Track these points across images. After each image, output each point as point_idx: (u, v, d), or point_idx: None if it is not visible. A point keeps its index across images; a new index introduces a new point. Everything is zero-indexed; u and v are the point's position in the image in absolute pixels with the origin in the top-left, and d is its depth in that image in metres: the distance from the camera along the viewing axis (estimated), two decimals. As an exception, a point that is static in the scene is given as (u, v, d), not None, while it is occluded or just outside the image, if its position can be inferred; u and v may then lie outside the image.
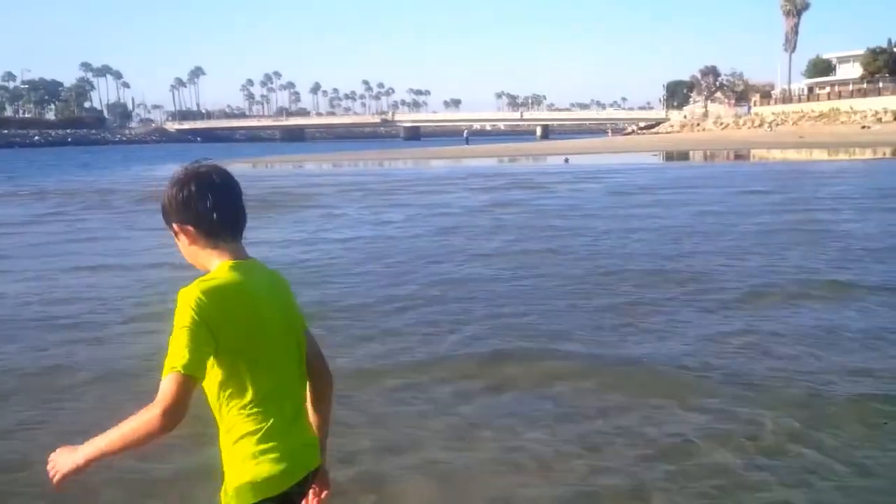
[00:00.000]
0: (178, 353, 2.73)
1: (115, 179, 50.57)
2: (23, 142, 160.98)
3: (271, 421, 2.97)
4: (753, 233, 18.78)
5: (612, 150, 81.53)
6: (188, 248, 3.04)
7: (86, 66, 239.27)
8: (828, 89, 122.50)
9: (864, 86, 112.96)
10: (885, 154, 59.71)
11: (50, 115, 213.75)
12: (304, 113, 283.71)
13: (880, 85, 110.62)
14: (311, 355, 3.26)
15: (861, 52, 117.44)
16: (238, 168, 64.10)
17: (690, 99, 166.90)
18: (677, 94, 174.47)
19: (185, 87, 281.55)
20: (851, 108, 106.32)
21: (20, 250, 18.94)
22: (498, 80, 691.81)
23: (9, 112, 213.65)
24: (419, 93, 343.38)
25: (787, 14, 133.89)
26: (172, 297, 2.92)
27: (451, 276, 14.24)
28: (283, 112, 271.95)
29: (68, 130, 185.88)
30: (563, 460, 6.30)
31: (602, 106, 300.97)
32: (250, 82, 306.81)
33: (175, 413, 2.69)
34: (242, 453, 2.94)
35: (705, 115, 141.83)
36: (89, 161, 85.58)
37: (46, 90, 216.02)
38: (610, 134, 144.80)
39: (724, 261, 15.04)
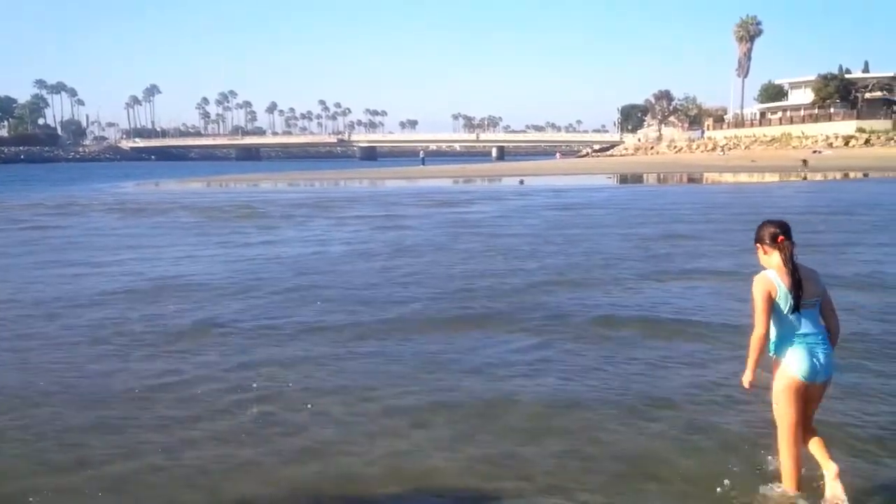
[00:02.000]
0: None
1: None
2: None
3: None
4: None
5: (565, 171, 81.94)
6: None
7: (40, 82, 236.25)
8: (780, 114, 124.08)
9: (816, 111, 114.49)
10: (835, 177, 60.60)
11: (2, 132, 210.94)
12: (259, 132, 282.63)
13: (831, 110, 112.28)
14: None
15: (813, 77, 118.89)
16: (192, 187, 64.19)
17: (644, 122, 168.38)
18: (632, 117, 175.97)
19: (141, 104, 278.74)
20: (803, 133, 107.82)
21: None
22: (454, 102, 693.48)
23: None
24: (376, 113, 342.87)
25: (741, 40, 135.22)
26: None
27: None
28: (238, 131, 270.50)
29: (21, 147, 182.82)
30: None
31: (557, 128, 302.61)
32: (206, 101, 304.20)
33: None
34: None
35: (659, 138, 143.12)
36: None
37: (0, 107, 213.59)
38: (558, 156, 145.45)
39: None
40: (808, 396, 5.70)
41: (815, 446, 5.85)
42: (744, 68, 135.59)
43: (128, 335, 11.45)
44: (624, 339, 10.88)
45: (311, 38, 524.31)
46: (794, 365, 5.57)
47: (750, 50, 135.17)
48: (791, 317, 5.57)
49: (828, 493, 5.70)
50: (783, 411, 5.65)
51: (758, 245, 5.81)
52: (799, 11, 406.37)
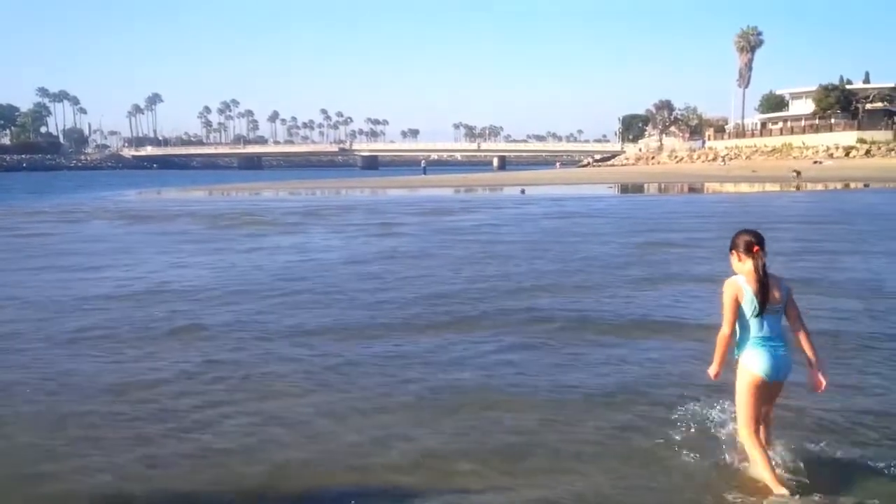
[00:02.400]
0: None
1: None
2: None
3: None
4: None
5: (566, 181, 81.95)
6: None
7: (42, 91, 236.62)
8: (780, 124, 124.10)
9: (817, 121, 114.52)
10: (836, 187, 60.62)
11: (5, 140, 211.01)
12: (261, 141, 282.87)
13: (832, 121, 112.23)
14: None
15: (813, 88, 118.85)
16: (193, 195, 64.27)
17: (646, 132, 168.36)
18: (633, 127, 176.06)
19: (143, 113, 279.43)
20: (804, 144, 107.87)
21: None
22: (456, 111, 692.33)
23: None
24: (377, 122, 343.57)
25: (741, 50, 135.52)
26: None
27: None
28: (240, 140, 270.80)
29: (23, 156, 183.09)
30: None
31: (558, 138, 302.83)
32: (208, 109, 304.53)
33: None
34: None
35: (660, 148, 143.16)
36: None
37: (2, 115, 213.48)
38: (558, 166, 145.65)
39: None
40: (767, 394, 6.23)
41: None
42: (745, 79, 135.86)
43: (114, 337, 11.62)
44: (608, 340, 11.15)
45: (312, 47, 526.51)
46: (756, 364, 6.04)
47: (751, 60, 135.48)
48: (755, 320, 6.05)
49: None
50: (744, 408, 6.15)
51: (733, 252, 6.26)
52: (800, 22, 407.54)
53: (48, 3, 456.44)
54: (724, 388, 7.08)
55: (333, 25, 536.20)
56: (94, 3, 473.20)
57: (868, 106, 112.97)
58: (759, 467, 6.08)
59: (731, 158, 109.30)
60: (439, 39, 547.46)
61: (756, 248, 6.09)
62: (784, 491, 5.92)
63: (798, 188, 59.48)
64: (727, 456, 6.66)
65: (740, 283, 6.07)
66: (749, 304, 6.02)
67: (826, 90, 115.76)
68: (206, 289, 15.78)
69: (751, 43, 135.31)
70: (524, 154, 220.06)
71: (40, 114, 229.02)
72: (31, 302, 14.61)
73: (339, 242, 24.88)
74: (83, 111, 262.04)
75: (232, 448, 7.28)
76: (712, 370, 6.27)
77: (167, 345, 11.13)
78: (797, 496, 5.91)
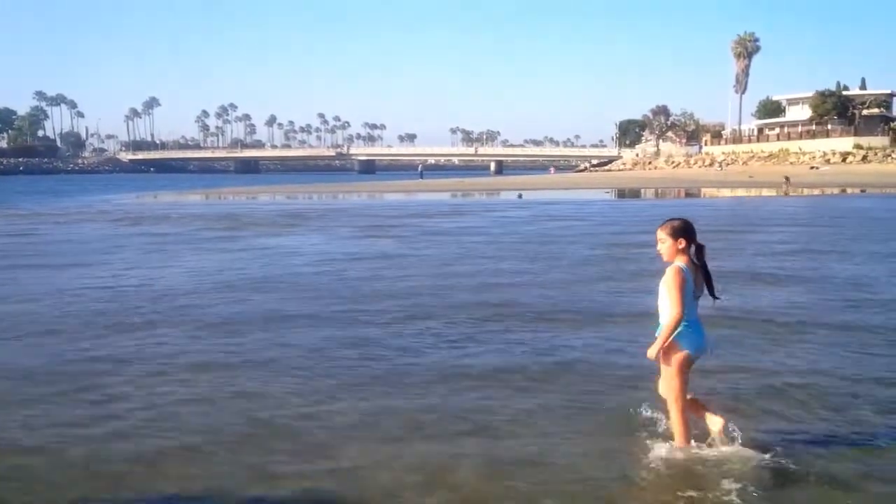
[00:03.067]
0: None
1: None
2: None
3: None
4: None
5: (562, 186, 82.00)
6: None
7: (40, 94, 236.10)
8: (777, 130, 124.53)
9: (813, 127, 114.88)
10: (832, 192, 60.77)
11: (2, 144, 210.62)
12: (258, 145, 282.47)
13: (829, 127, 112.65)
14: None
15: (810, 94, 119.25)
16: (189, 199, 64.44)
17: (643, 137, 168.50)
18: (630, 132, 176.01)
19: (140, 117, 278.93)
20: (801, 149, 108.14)
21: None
22: (453, 116, 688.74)
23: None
24: (374, 127, 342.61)
25: (738, 56, 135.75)
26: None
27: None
28: (237, 144, 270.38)
29: (20, 159, 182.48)
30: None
31: (555, 143, 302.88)
32: (205, 114, 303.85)
33: None
34: None
35: (657, 153, 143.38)
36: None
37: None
38: (552, 171, 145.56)
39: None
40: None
41: (699, 406, 6.80)
42: (742, 84, 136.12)
43: (90, 328, 12.01)
44: (573, 328, 11.70)
45: (310, 51, 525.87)
46: (689, 344, 6.41)
47: (748, 66, 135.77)
48: (690, 305, 6.38)
49: (714, 430, 6.62)
50: (677, 382, 6.49)
51: (680, 239, 6.46)
52: (797, 28, 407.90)
53: (45, 6, 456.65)
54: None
55: (331, 30, 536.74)
56: (91, 7, 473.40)
57: (865, 112, 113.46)
58: (676, 427, 6.61)
59: (727, 164, 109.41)
60: (437, 44, 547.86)
61: (700, 243, 6.52)
62: (692, 443, 6.63)
63: (787, 194, 59.68)
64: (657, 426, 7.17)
65: (685, 270, 6.37)
66: (689, 291, 6.35)
67: (823, 96, 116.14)
68: (188, 286, 16.01)
69: (748, 49, 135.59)
70: (521, 159, 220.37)
71: (37, 117, 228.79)
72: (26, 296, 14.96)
73: (330, 246, 24.73)
74: (80, 115, 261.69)
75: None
76: (654, 352, 6.43)
77: (148, 334, 11.52)
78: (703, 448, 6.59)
